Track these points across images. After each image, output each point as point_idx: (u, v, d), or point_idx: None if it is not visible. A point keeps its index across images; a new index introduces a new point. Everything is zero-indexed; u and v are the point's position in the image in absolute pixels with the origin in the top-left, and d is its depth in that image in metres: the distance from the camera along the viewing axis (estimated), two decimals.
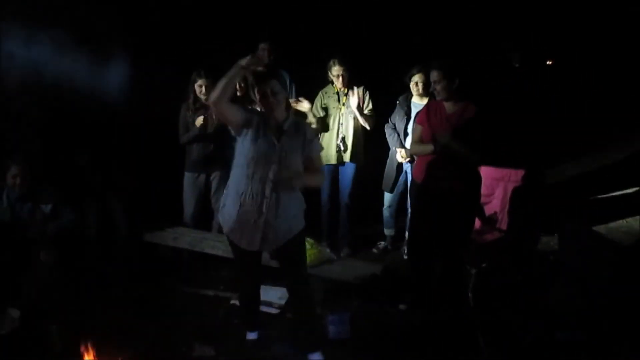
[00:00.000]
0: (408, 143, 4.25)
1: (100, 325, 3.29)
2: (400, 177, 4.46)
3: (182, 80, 4.44)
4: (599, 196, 4.71)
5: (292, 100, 4.03)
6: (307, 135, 2.83)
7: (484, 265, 4.05)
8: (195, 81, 4.20)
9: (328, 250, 4.35)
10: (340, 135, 4.37)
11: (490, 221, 4.16)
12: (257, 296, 3.15)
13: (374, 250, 4.71)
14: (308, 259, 3.28)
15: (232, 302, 3.76)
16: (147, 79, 4.79)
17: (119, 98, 4.66)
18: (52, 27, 4.22)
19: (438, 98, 3.42)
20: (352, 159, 4.39)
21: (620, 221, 4.12)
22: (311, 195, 3.30)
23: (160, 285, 3.95)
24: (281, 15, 5.50)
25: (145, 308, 3.62)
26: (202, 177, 4.35)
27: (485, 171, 4.11)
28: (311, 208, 3.08)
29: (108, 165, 4.42)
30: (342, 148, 4.37)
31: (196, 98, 4.24)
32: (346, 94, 4.35)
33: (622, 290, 3.36)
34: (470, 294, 3.71)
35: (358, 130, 4.40)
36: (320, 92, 4.47)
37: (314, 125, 4.23)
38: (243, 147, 2.77)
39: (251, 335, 3.18)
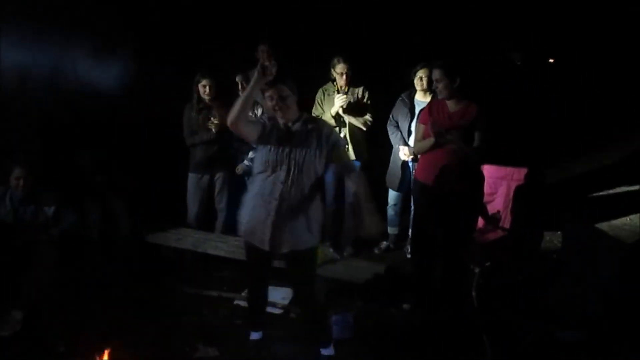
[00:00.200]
0: (412, 141, 4.24)
1: (103, 326, 3.29)
2: (405, 175, 4.46)
3: (183, 80, 4.44)
4: (602, 194, 4.72)
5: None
6: (323, 133, 2.76)
7: (487, 264, 4.05)
8: (199, 81, 4.19)
9: (331, 250, 4.33)
10: (342, 134, 4.36)
11: (493, 220, 4.16)
12: (264, 297, 3.14)
13: (376, 250, 4.70)
14: None
15: (235, 302, 3.76)
16: (148, 78, 4.78)
17: (120, 98, 4.65)
18: (52, 27, 4.21)
19: (440, 97, 3.44)
20: (355, 156, 4.37)
21: (623, 219, 4.12)
22: None
23: (163, 285, 3.94)
24: (281, 15, 5.50)
25: (148, 309, 3.62)
26: (206, 178, 4.35)
27: (488, 170, 4.12)
28: None
29: (109, 166, 4.40)
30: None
31: (200, 99, 4.23)
32: (346, 93, 4.34)
33: (625, 289, 3.36)
34: (473, 293, 3.71)
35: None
36: (320, 89, 4.45)
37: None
38: (259, 153, 2.79)
39: (255, 335, 3.16)
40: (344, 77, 4.29)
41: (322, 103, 4.42)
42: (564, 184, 4.90)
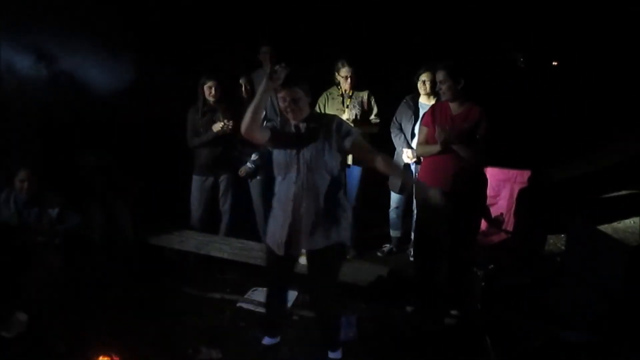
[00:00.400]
0: (415, 144, 4.24)
1: (105, 327, 3.29)
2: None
3: (184, 81, 4.43)
4: (605, 195, 4.71)
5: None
6: (332, 127, 2.73)
7: (490, 266, 4.05)
8: (204, 83, 4.19)
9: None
10: None
11: (496, 222, 4.16)
12: (284, 302, 3.12)
13: (379, 253, 4.70)
14: None
15: (238, 304, 3.76)
16: (149, 79, 4.77)
17: (121, 98, 4.64)
18: (53, 27, 4.20)
19: (443, 98, 3.43)
20: (356, 161, 4.36)
21: (627, 221, 4.11)
22: None
23: (166, 287, 3.94)
24: (281, 15, 5.49)
25: (150, 310, 3.62)
26: (210, 180, 4.35)
27: (491, 172, 4.12)
28: None
29: (111, 167, 4.40)
30: None
31: (205, 101, 4.23)
32: (350, 97, 4.33)
33: (629, 291, 3.36)
34: (477, 296, 3.71)
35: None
36: (324, 94, 4.44)
37: None
38: (274, 157, 2.81)
39: (268, 341, 3.12)
40: (349, 80, 4.27)
41: (324, 107, 4.41)
42: (567, 185, 4.90)
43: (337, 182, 2.78)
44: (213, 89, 4.17)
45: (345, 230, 2.82)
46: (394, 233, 4.68)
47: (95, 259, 4.05)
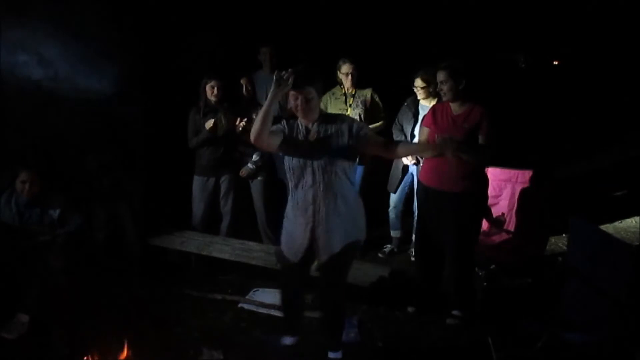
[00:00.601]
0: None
1: (108, 329, 3.29)
2: (406, 178, 4.45)
3: (186, 83, 4.44)
4: (606, 195, 4.71)
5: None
6: (342, 127, 2.70)
7: (492, 267, 4.04)
8: (207, 83, 4.20)
9: None
10: None
11: (497, 223, 4.15)
12: (300, 302, 3.10)
13: (380, 255, 4.69)
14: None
15: (239, 305, 3.76)
16: (150, 79, 4.78)
17: (122, 99, 4.64)
18: (55, 29, 4.20)
19: (444, 99, 3.42)
20: (359, 161, 4.36)
21: (628, 220, 4.10)
22: None
23: (167, 288, 3.94)
24: (282, 14, 5.49)
25: (152, 311, 3.62)
26: (212, 180, 4.35)
27: (492, 172, 4.11)
28: None
29: (114, 169, 4.40)
30: None
31: (207, 101, 4.24)
32: (353, 96, 4.34)
33: (633, 291, 3.34)
34: (478, 297, 3.70)
35: None
36: (327, 93, 4.44)
37: None
38: (285, 161, 2.75)
39: (288, 340, 3.10)
40: (349, 77, 4.28)
41: (327, 106, 4.41)
42: (568, 184, 4.89)
43: (352, 182, 2.78)
44: (215, 88, 4.18)
45: (362, 228, 2.83)
46: (393, 233, 4.68)
47: (98, 260, 4.07)
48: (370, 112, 4.38)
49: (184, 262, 4.30)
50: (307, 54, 4.88)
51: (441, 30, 5.90)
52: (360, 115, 4.29)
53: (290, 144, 2.70)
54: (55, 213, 3.62)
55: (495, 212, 4.24)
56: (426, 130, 3.52)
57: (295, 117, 2.77)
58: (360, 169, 4.40)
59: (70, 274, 3.61)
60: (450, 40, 5.73)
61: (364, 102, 4.34)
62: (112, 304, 3.64)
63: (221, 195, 4.40)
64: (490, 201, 4.03)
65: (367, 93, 4.35)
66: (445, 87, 3.33)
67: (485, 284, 3.95)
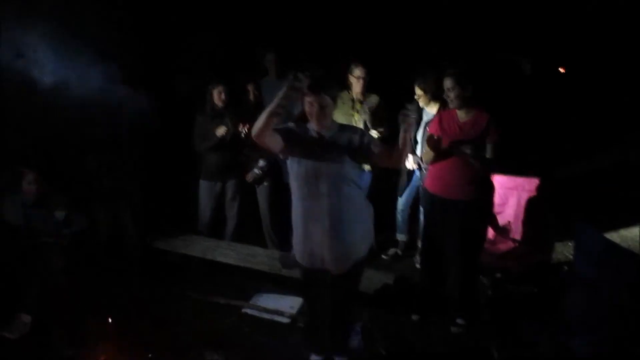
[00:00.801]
0: (419, 150, 4.24)
1: (110, 330, 3.30)
2: (413, 182, 4.45)
3: (191, 86, 4.46)
4: (613, 202, 4.69)
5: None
6: (353, 136, 2.68)
7: (497, 275, 4.03)
8: (213, 88, 4.22)
9: None
10: None
11: (503, 231, 4.14)
12: (326, 318, 2.93)
13: (384, 256, 4.68)
14: None
15: (243, 310, 3.75)
16: (157, 84, 4.79)
17: (128, 103, 4.66)
18: (58, 30, 4.21)
19: (451, 106, 3.41)
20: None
21: (635, 228, 4.07)
22: None
23: (171, 292, 3.94)
24: (286, 20, 5.51)
25: (155, 314, 3.62)
26: (218, 185, 4.37)
27: (498, 180, 4.08)
28: None
29: (117, 171, 4.42)
30: None
31: (213, 106, 4.25)
32: (361, 101, 4.33)
33: (638, 300, 3.31)
34: (483, 304, 3.68)
35: None
36: None
37: None
38: (292, 168, 2.70)
39: (315, 358, 3.03)
40: (361, 81, 4.26)
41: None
42: (573, 188, 4.88)
43: (361, 188, 2.77)
44: (222, 93, 4.20)
45: (372, 234, 2.82)
46: (399, 236, 4.67)
47: (102, 262, 4.08)
48: (377, 118, 4.37)
49: (185, 263, 4.28)
50: (307, 54, 4.91)
51: (441, 30, 5.89)
52: (365, 122, 4.28)
53: (299, 148, 2.65)
54: (60, 215, 3.64)
55: (501, 220, 4.22)
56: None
57: (305, 121, 2.74)
58: (368, 175, 4.40)
59: (71, 274, 3.62)
60: (450, 40, 5.74)
61: (371, 109, 4.33)
62: (113, 304, 3.64)
63: (227, 199, 4.41)
64: (495, 209, 4.02)
65: (374, 100, 4.34)
66: (452, 94, 3.32)
67: (490, 292, 3.93)
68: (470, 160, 3.25)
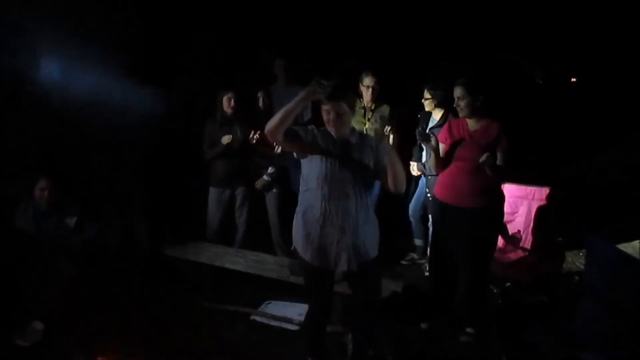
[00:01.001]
0: (424, 157, 4.26)
1: (119, 337, 3.30)
2: (419, 188, 4.48)
3: (201, 94, 4.47)
4: (622, 210, 4.65)
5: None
6: (372, 143, 2.78)
7: (507, 284, 4.00)
8: (223, 95, 4.25)
9: None
10: None
11: (513, 240, 4.12)
12: (325, 323, 2.99)
13: (403, 262, 4.72)
14: None
15: (252, 317, 3.75)
16: (167, 91, 4.82)
17: (139, 110, 4.69)
18: (68, 38, 4.25)
19: (461, 115, 3.40)
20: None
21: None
22: None
23: (180, 299, 3.94)
24: (293, 26, 5.53)
25: (164, 322, 3.62)
26: (227, 192, 4.38)
27: (508, 189, 4.08)
28: None
29: (128, 177, 4.44)
30: None
31: (223, 113, 4.27)
32: (372, 110, 4.34)
33: None
34: (493, 314, 3.66)
35: None
36: None
37: None
38: (311, 168, 2.72)
39: None
40: (371, 90, 4.27)
41: None
42: (584, 197, 4.85)
43: (371, 194, 2.80)
44: (232, 100, 4.22)
45: (377, 242, 2.82)
46: (416, 241, 4.70)
47: (112, 269, 4.09)
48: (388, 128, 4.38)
49: (194, 270, 4.29)
50: (307, 54, 4.92)
51: (441, 30, 5.89)
52: (376, 131, 4.29)
53: (320, 148, 2.69)
54: (72, 221, 3.66)
55: (511, 229, 4.20)
56: (442, 146, 3.50)
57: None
58: (377, 184, 4.40)
59: (83, 281, 3.63)
60: (450, 40, 5.74)
61: (382, 118, 4.33)
62: (122, 310, 3.66)
63: (236, 206, 4.43)
64: (505, 218, 4.00)
65: (386, 110, 4.35)
66: (462, 103, 3.31)
67: (500, 301, 3.91)
68: (487, 169, 3.23)
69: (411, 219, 4.63)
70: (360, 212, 2.70)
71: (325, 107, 2.67)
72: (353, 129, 2.82)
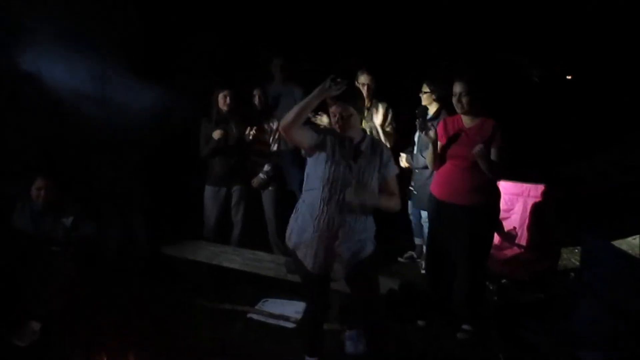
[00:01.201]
0: (415, 150, 4.29)
1: (117, 337, 3.30)
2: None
3: (198, 93, 4.47)
4: (621, 210, 4.66)
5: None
6: (383, 156, 2.77)
7: (503, 281, 4.01)
8: (219, 92, 4.24)
9: None
10: None
11: (509, 237, 4.13)
12: (322, 321, 3.00)
13: (400, 259, 4.74)
14: None
15: (249, 315, 3.76)
16: (163, 90, 4.82)
17: (136, 109, 4.68)
18: (67, 38, 4.25)
19: (459, 111, 3.40)
20: None
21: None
22: None
23: (177, 298, 3.95)
24: (292, 25, 5.53)
25: (162, 321, 3.62)
26: (223, 190, 4.38)
27: (504, 186, 4.08)
28: None
29: (126, 178, 4.44)
30: None
31: (218, 111, 4.27)
32: (369, 108, 4.34)
33: None
34: (489, 311, 3.67)
35: None
36: None
37: None
38: (316, 169, 2.72)
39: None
40: (366, 88, 4.27)
41: None
42: (580, 198, 4.86)
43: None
44: (228, 98, 4.22)
45: (372, 241, 2.83)
46: (416, 240, 4.71)
47: (110, 269, 4.09)
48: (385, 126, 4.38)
49: (191, 268, 4.29)
50: (307, 54, 4.92)
51: (441, 30, 5.91)
52: (372, 129, 4.29)
53: (332, 153, 2.69)
54: (69, 221, 3.65)
55: (507, 226, 4.21)
56: (438, 143, 3.51)
57: None
58: None
59: (81, 280, 3.63)
60: (450, 40, 5.75)
61: (379, 116, 4.33)
62: (119, 309, 3.66)
63: (232, 204, 4.43)
64: (501, 215, 4.01)
65: (382, 107, 4.35)
66: (464, 100, 3.31)
67: (496, 298, 3.92)
68: (481, 163, 3.24)
69: (411, 217, 4.63)
70: (357, 221, 2.71)
71: (331, 110, 2.69)
72: (365, 134, 2.81)
